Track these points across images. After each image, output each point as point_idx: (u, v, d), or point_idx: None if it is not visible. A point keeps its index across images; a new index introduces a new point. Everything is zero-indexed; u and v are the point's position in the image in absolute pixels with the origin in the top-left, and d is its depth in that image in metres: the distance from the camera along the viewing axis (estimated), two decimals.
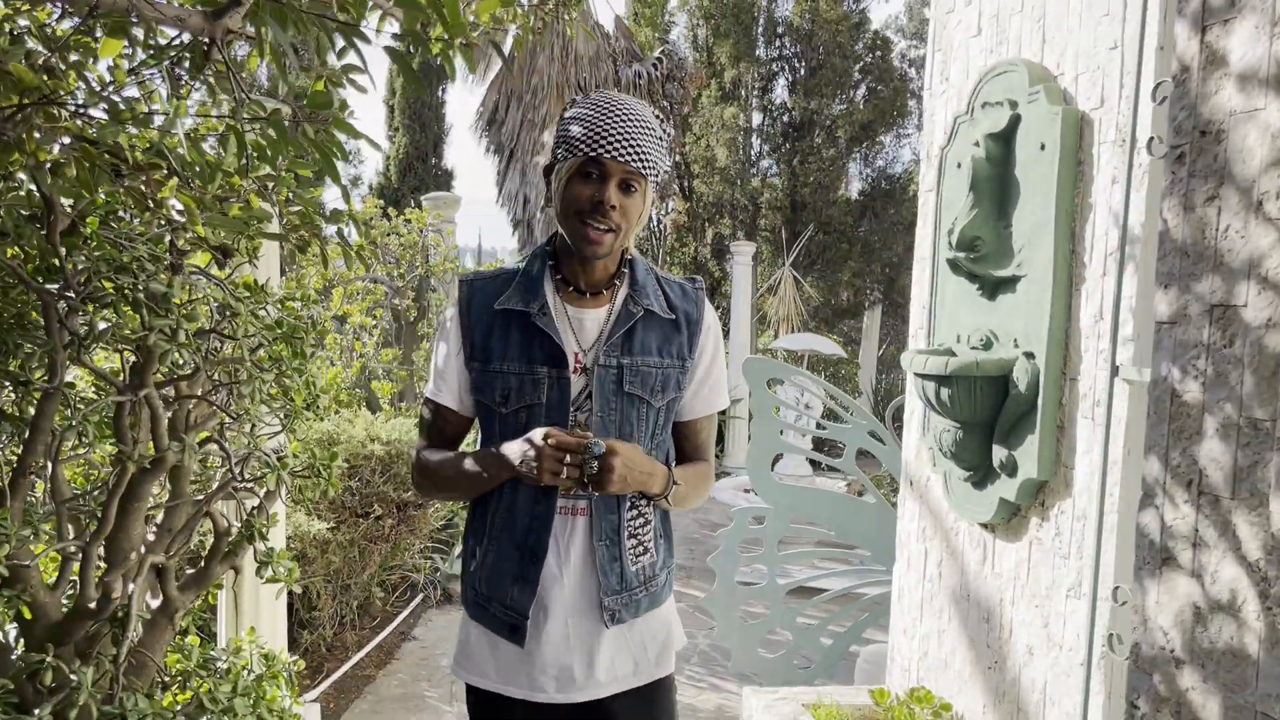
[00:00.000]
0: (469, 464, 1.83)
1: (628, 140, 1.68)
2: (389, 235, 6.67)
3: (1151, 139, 2.53)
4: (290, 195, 2.69)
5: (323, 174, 2.10)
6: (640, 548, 1.86)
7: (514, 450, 1.72)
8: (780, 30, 14.09)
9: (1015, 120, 3.02)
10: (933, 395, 3.10)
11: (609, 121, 1.68)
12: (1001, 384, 3.00)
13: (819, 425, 4.79)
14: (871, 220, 13.75)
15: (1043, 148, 2.90)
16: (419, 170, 16.36)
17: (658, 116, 1.78)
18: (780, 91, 14.35)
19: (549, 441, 1.65)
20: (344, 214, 2.67)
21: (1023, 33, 3.14)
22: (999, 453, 3.03)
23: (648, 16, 16.03)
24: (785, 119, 14.14)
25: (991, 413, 3.03)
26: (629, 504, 1.83)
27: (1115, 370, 2.62)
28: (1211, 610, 1.54)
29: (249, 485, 2.97)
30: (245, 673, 3.34)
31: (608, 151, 1.67)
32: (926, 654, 3.58)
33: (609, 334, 1.80)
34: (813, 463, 9.54)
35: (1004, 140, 3.07)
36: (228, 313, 2.72)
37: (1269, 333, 1.44)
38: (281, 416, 3.05)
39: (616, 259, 1.85)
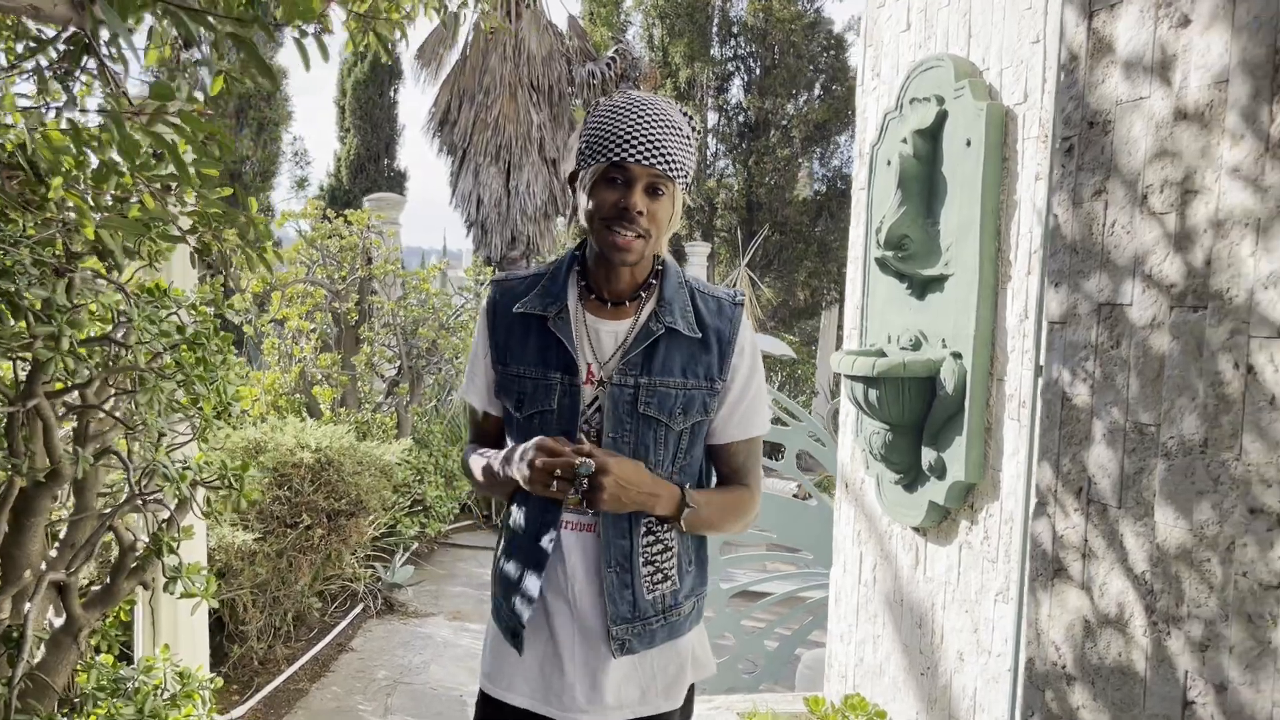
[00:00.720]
0: (488, 465, 1.80)
1: (652, 142, 1.60)
2: (330, 237, 6.54)
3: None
4: (195, 196, 2.58)
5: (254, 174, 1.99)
6: (659, 575, 1.74)
7: (511, 456, 1.68)
8: (735, 30, 14.05)
9: (942, 116, 2.97)
10: (861, 397, 3.04)
11: (632, 123, 1.61)
12: (929, 385, 2.94)
13: None
14: (827, 220, 13.73)
15: (969, 144, 2.85)
16: (371, 171, 16.14)
17: (685, 114, 1.69)
18: (735, 91, 14.32)
19: (539, 454, 1.59)
20: (240, 214, 2.57)
21: (950, 27, 3.08)
22: (928, 455, 2.97)
23: (603, 16, 15.95)
24: (741, 119, 14.09)
25: (920, 414, 2.98)
26: (644, 529, 1.73)
27: (1039, 370, 2.57)
28: (1100, 625, 1.47)
29: (158, 498, 2.85)
30: (158, 692, 3.21)
31: (631, 155, 1.59)
32: (862, 660, 3.52)
33: (626, 351, 1.71)
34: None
35: (931, 137, 3.01)
36: (124, 319, 2.61)
37: (1154, 333, 1.37)
38: (193, 426, 2.93)
39: (646, 268, 1.74)
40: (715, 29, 14.12)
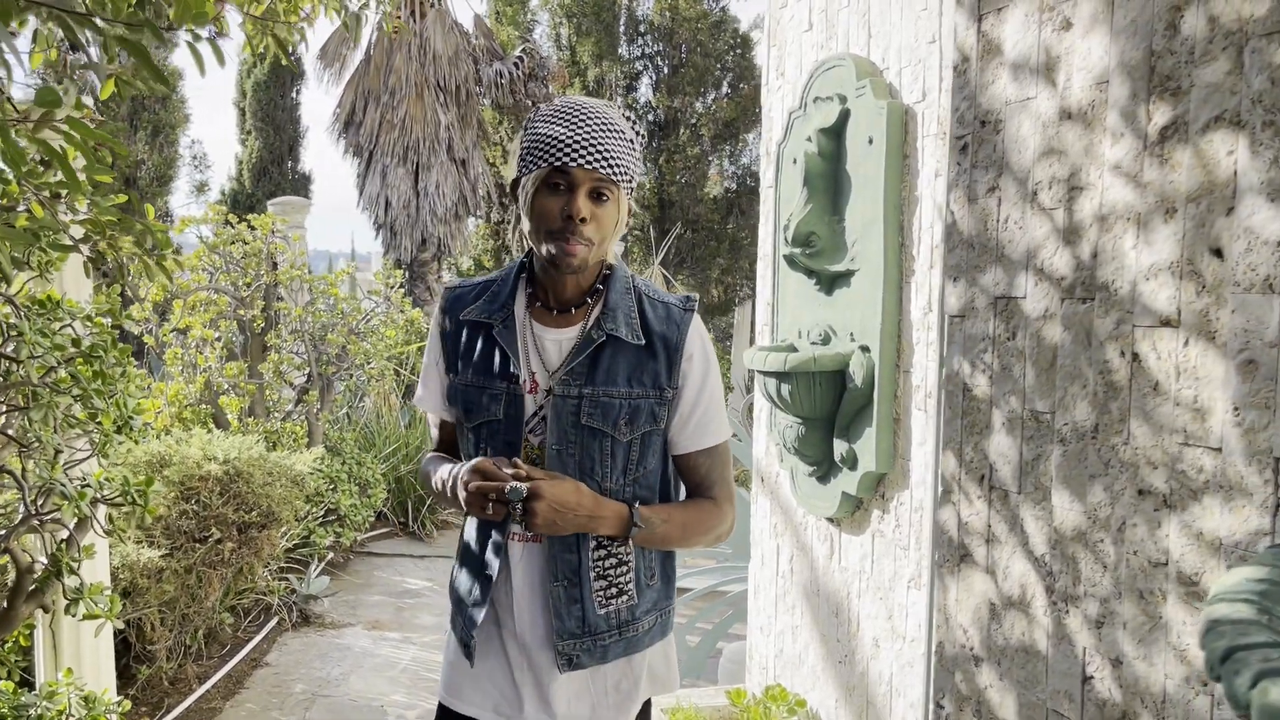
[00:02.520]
0: (435, 480, 1.78)
1: (594, 145, 1.57)
2: (233, 243, 6.37)
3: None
4: (89, 204, 2.50)
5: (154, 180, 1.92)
6: (612, 589, 1.70)
7: (445, 477, 1.69)
8: (642, 29, 14.09)
9: (845, 115, 3.03)
10: (774, 391, 3.08)
11: (573, 127, 1.58)
12: (839, 378, 3.00)
13: None
14: (738, 217, 13.87)
15: (871, 142, 2.91)
16: (274, 175, 15.75)
17: (628, 119, 1.67)
18: (644, 90, 14.37)
19: (472, 477, 1.58)
20: (136, 222, 2.49)
21: (850, 27, 3.15)
22: (840, 447, 3.03)
23: (509, 15, 15.84)
24: (650, 118, 14.15)
25: (831, 407, 3.03)
26: (594, 542, 1.69)
27: (942, 362, 2.64)
28: (1005, 606, 1.53)
29: (57, 517, 2.75)
30: (62, 718, 3.09)
31: (573, 160, 1.56)
32: (782, 651, 3.57)
33: (569, 360, 1.67)
34: None
35: (835, 135, 3.07)
36: (14, 333, 2.51)
37: (1046, 324, 1.43)
38: (92, 441, 2.84)
39: (593, 274, 1.71)
40: (623, 28, 14.15)
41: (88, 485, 2.72)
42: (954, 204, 1.66)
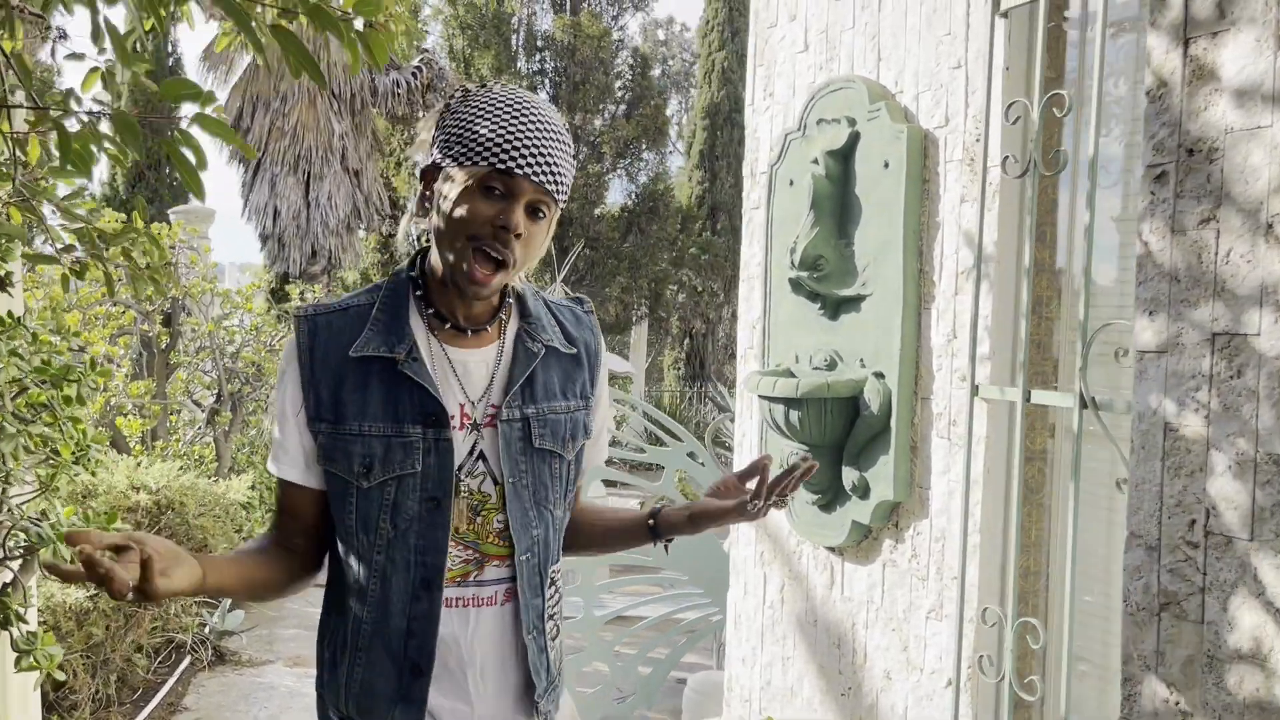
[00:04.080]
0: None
1: (543, 154, 1.36)
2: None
3: (1006, 158, 2.54)
4: (56, 208, 2.24)
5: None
6: (554, 628, 1.54)
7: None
8: (540, 44, 13.97)
9: (855, 137, 2.99)
10: (781, 418, 3.00)
11: (524, 128, 1.36)
12: (852, 405, 2.94)
13: (639, 449, 4.64)
14: (637, 235, 13.87)
15: (886, 165, 2.87)
16: (151, 180, 14.90)
17: (567, 131, 1.46)
18: None
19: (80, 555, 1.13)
20: (135, 231, 2.25)
21: (855, 50, 3.11)
22: (850, 475, 2.97)
23: (401, 27, 15.46)
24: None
25: (842, 434, 2.97)
26: (549, 580, 1.52)
27: (975, 389, 2.61)
28: (1231, 660, 1.49)
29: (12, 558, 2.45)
30: None
31: (519, 166, 1.34)
32: (770, 682, 3.49)
33: (507, 380, 1.46)
34: (607, 482, 9.41)
35: (843, 158, 3.03)
36: None
37: None
38: (42, 473, 2.56)
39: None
40: (521, 42, 13.99)
41: (53, 524, 2.44)
42: (1148, 235, 1.61)
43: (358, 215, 12.56)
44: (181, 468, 4.34)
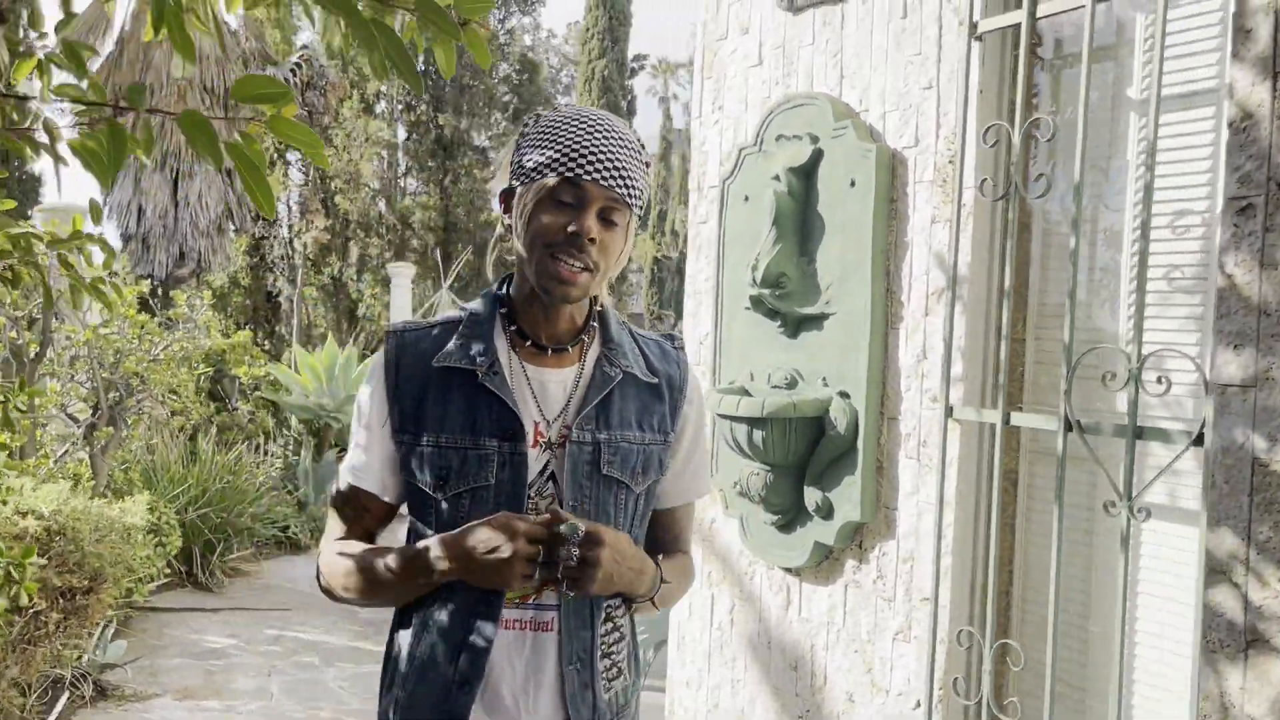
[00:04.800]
0: (385, 566, 1.45)
1: (612, 162, 1.40)
2: None
3: (984, 180, 2.55)
4: None
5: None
6: (614, 670, 1.51)
7: (462, 546, 1.37)
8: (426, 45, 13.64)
9: (818, 155, 2.96)
10: (744, 438, 2.94)
11: (589, 139, 1.40)
12: (816, 424, 2.91)
13: None
14: None
15: (853, 184, 2.85)
16: None
17: (639, 143, 1.48)
18: (426, 108, 13.87)
19: (516, 540, 1.33)
20: (82, 239, 2.03)
21: (815, 67, 3.09)
22: (813, 495, 2.93)
23: (273, 18, 14.87)
24: (434, 136, 13.69)
25: (805, 454, 2.94)
26: (604, 615, 1.49)
27: (950, 410, 2.61)
28: None
29: None
30: None
31: (587, 173, 1.38)
32: (718, 705, 3.42)
33: (581, 402, 1.47)
34: None
35: (805, 175, 3.00)
36: None
37: None
38: None
39: (586, 306, 1.53)
40: (406, 42, 13.62)
41: None
42: (1234, 267, 1.61)
43: (230, 216, 11.96)
44: (72, 488, 3.98)
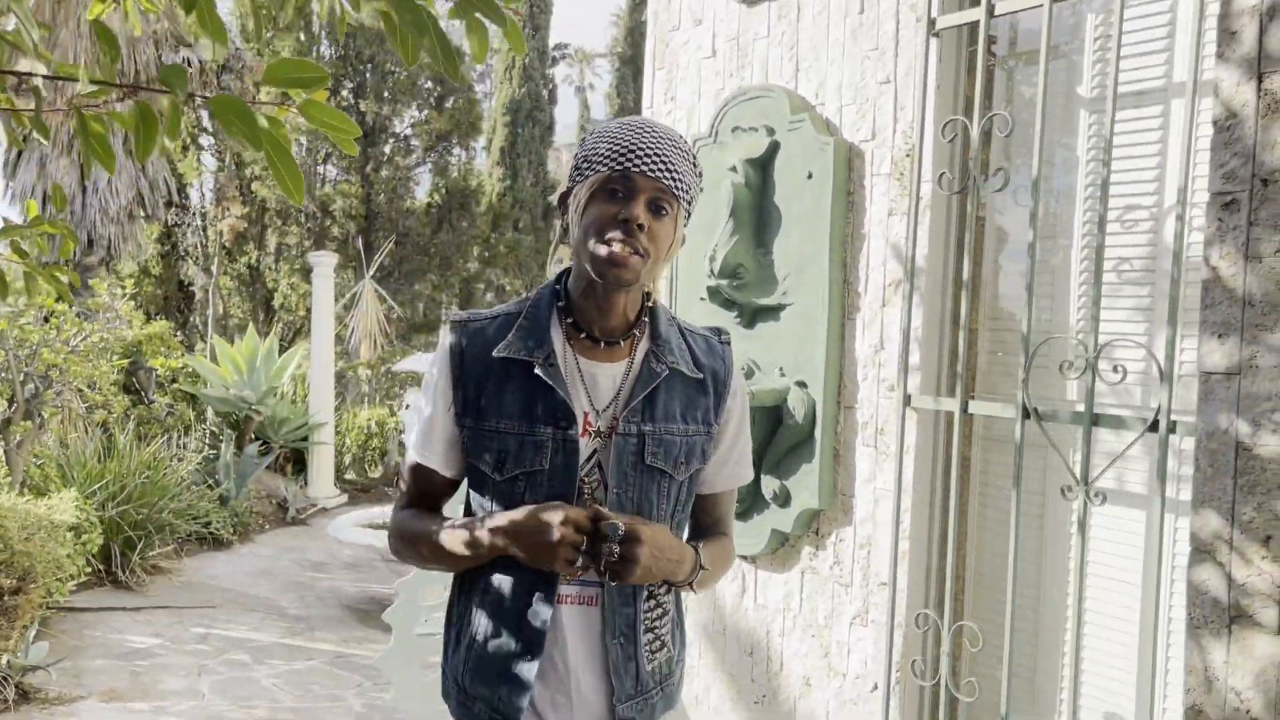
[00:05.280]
0: (453, 536, 1.57)
1: (660, 155, 1.50)
2: None
3: (942, 174, 2.61)
4: None
5: None
6: (657, 643, 1.62)
7: (514, 528, 1.49)
8: (348, 31, 13.38)
9: (774, 147, 2.99)
10: None
11: (637, 137, 1.51)
12: (774, 414, 2.95)
13: None
14: (449, 232, 13.50)
15: (810, 177, 2.89)
16: None
17: (689, 147, 1.59)
18: (346, 94, 13.59)
19: (563, 528, 1.43)
20: (41, 225, 1.95)
21: (770, 60, 3.12)
22: (770, 484, 2.97)
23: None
24: (355, 123, 13.43)
25: (762, 443, 2.97)
26: (646, 593, 1.59)
27: (908, 399, 2.67)
28: None
29: None
30: None
31: (636, 165, 1.49)
32: None
33: (629, 396, 1.57)
34: None
35: (761, 167, 3.03)
36: None
37: None
38: None
39: (638, 302, 1.61)
40: (325, 28, 13.33)
41: None
42: (1218, 260, 1.67)
43: (140, 203, 11.54)
44: None
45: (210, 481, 8.35)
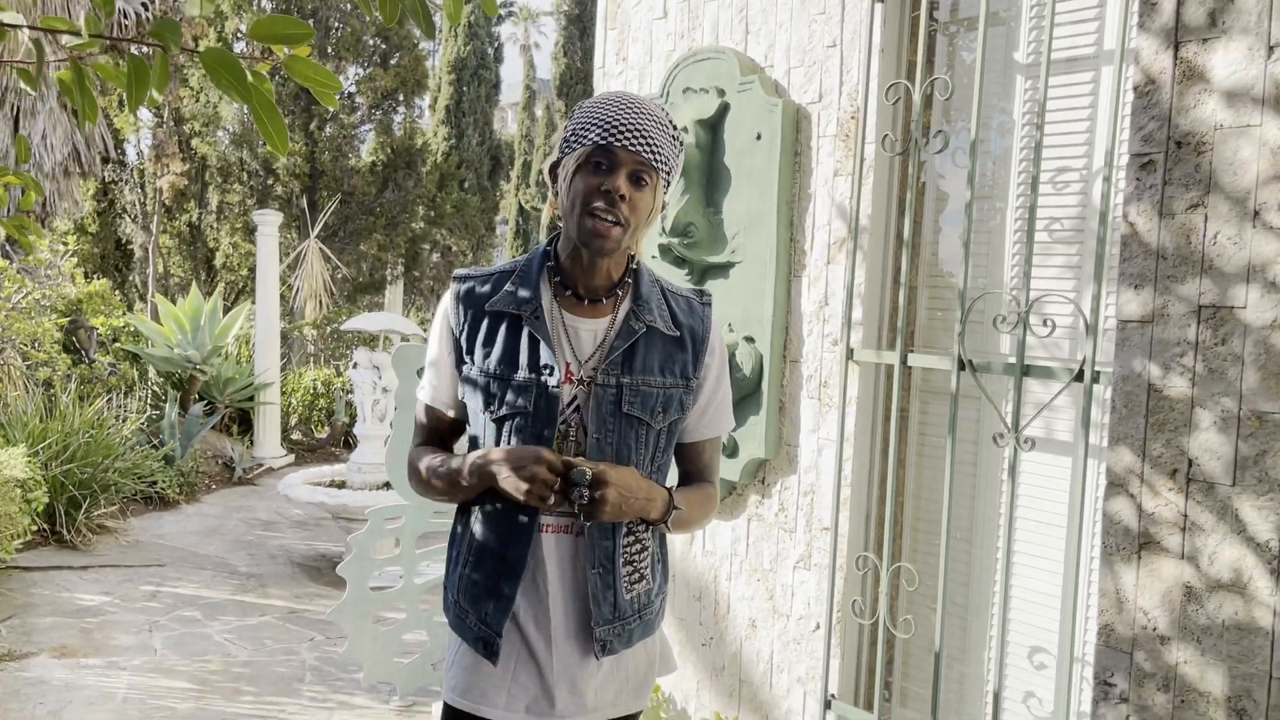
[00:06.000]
0: (453, 468, 1.74)
1: (639, 130, 1.64)
2: None
3: (885, 136, 2.71)
4: None
5: None
6: (636, 574, 1.75)
7: (499, 464, 1.64)
8: None
9: (724, 108, 3.07)
10: None
11: (620, 113, 1.64)
12: None
13: None
14: (394, 190, 13.37)
15: (759, 138, 2.98)
16: None
17: (670, 121, 1.72)
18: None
19: (538, 466, 1.58)
20: (7, 176, 1.97)
21: (720, 22, 3.19)
22: None
23: None
24: (296, 80, 13.18)
25: None
26: (625, 529, 1.73)
27: (850, 353, 2.79)
28: (1209, 590, 1.70)
29: None
30: None
31: (618, 140, 1.62)
32: None
33: (609, 350, 1.71)
34: None
35: (711, 127, 3.11)
36: None
37: (1275, 333, 1.61)
38: None
39: (622, 263, 1.75)
40: None
41: None
42: (1135, 216, 1.78)
43: (76, 159, 11.27)
44: None
45: (155, 442, 8.29)
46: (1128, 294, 1.83)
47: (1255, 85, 1.67)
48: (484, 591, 1.73)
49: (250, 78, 1.17)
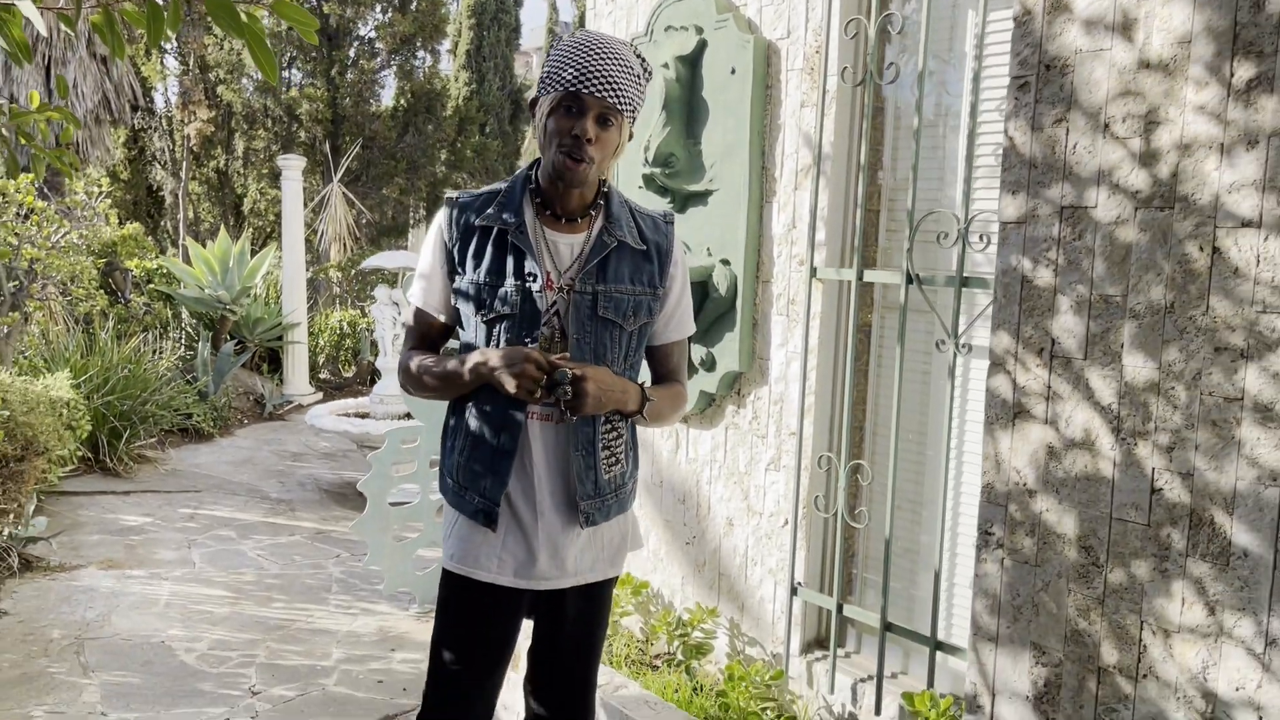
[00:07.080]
0: (448, 367, 1.95)
1: (606, 77, 1.83)
2: None
3: (844, 69, 2.93)
4: None
5: None
6: (613, 458, 2.00)
7: (492, 360, 1.84)
8: None
9: (702, 45, 3.29)
10: None
11: (590, 60, 1.84)
12: (701, 289, 3.31)
13: None
14: (415, 135, 13.60)
15: (733, 72, 3.20)
16: None
17: (638, 56, 1.93)
18: None
19: (526, 364, 1.78)
20: (47, 111, 2.24)
21: None
22: (698, 351, 3.35)
23: None
24: (318, 26, 13.39)
25: None
26: (603, 418, 1.97)
27: (814, 271, 3.03)
28: (1066, 448, 1.97)
29: None
30: None
31: (586, 88, 1.82)
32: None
33: (585, 262, 1.94)
34: None
35: (691, 63, 3.33)
36: None
37: (1119, 228, 1.85)
38: None
39: (593, 189, 1.97)
40: None
41: None
42: (1014, 132, 2.01)
43: (107, 106, 11.59)
44: None
45: (189, 378, 8.68)
46: (1007, 199, 2.06)
47: (1108, 14, 1.89)
48: (481, 471, 1.97)
49: (245, 18, 1.42)
